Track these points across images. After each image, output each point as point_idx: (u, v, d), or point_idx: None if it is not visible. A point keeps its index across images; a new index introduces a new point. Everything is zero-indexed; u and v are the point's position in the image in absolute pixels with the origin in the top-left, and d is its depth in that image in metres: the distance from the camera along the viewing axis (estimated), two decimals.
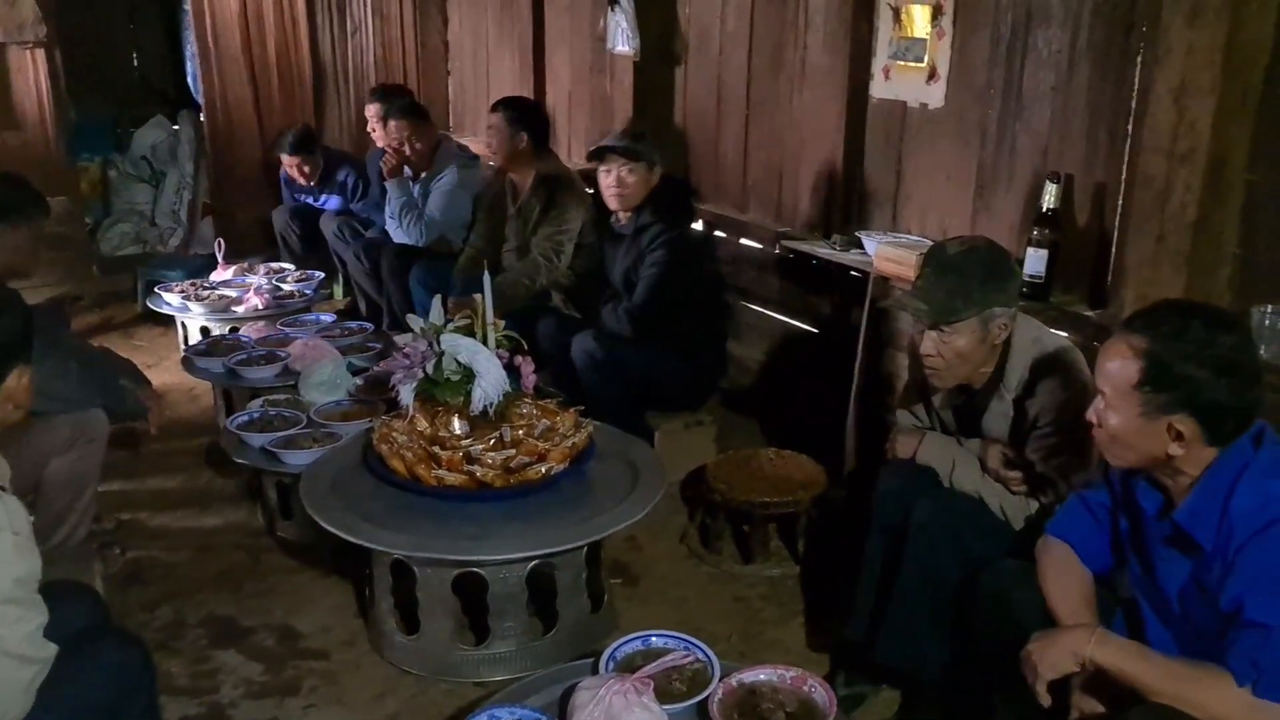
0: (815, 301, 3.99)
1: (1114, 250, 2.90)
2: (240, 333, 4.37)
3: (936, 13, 3.31)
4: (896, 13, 3.45)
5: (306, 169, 5.47)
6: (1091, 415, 1.81)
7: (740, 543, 3.25)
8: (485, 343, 2.74)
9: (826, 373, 3.88)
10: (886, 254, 3.19)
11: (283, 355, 3.93)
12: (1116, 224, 2.88)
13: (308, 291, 4.81)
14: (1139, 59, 2.76)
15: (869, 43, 3.57)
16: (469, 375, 2.69)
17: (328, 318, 4.54)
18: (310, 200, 5.63)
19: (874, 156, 3.65)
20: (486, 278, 2.82)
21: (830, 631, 2.79)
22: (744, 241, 4.31)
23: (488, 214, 4.48)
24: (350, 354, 3.99)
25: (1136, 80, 2.77)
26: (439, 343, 2.69)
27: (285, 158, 5.49)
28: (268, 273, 4.99)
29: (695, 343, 3.73)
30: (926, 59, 3.36)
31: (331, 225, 5.36)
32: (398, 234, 4.82)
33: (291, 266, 5.12)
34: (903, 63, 3.45)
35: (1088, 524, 2.04)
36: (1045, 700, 1.82)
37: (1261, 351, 2.31)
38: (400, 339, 2.87)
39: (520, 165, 4.29)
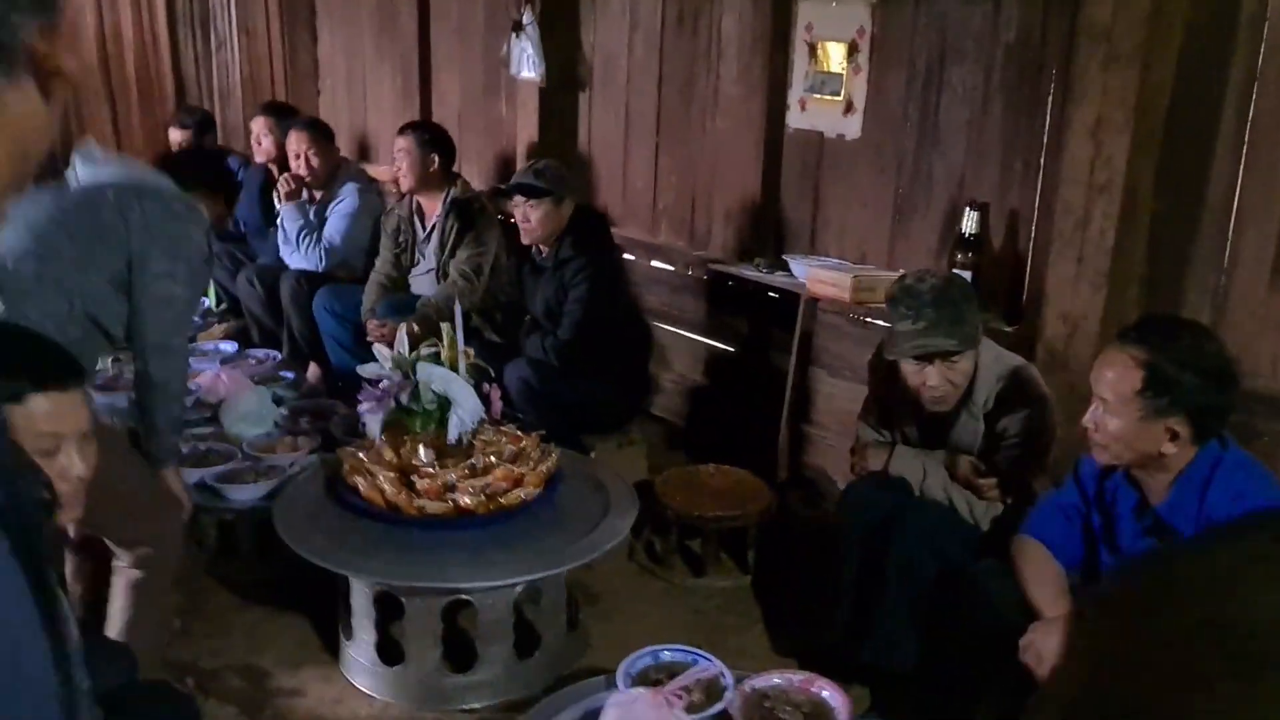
0: (731, 321, 4.15)
1: (1028, 271, 3.19)
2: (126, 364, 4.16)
3: (852, 50, 3.53)
4: (812, 48, 3.66)
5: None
6: (1089, 421, 2.02)
7: (687, 556, 3.36)
8: (456, 371, 2.76)
9: (745, 389, 4.06)
10: (820, 276, 3.38)
11: (192, 388, 3.79)
12: (1031, 247, 3.16)
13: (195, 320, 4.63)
14: (1050, 98, 3.05)
15: (784, 75, 3.77)
16: (444, 404, 2.71)
17: (228, 346, 4.40)
18: None
19: (791, 183, 3.85)
20: (458, 307, 2.84)
21: (793, 636, 2.94)
22: (655, 264, 4.43)
23: (393, 238, 4.44)
24: (264, 384, 3.89)
25: (1048, 117, 3.06)
26: (414, 372, 2.69)
27: (176, 132, 5.36)
28: None
29: (621, 367, 3.83)
30: (843, 93, 3.58)
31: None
32: (294, 259, 4.71)
33: None
34: (819, 95, 3.66)
35: (1059, 523, 2.26)
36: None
37: None
38: (366, 369, 2.85)
39: (430, 188, 4.28)
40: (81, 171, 2.69)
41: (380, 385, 2.72)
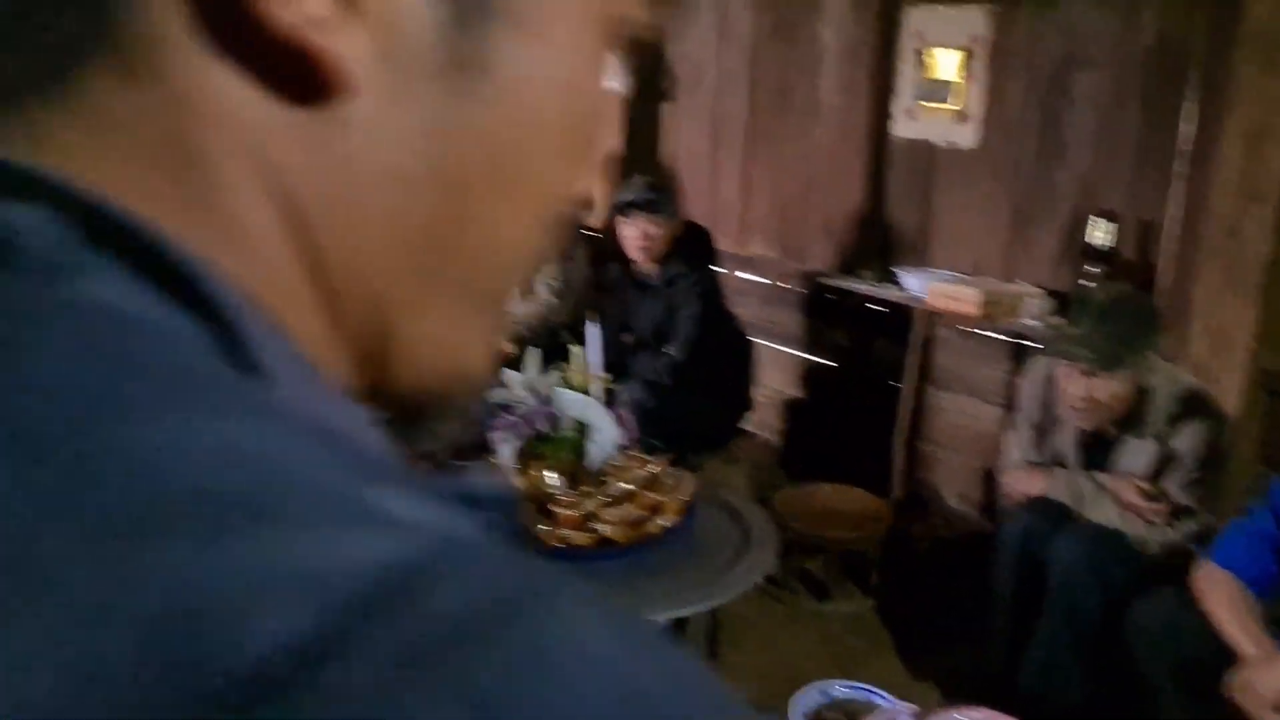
0: (829, 335, 4.06)
1: (1160, 282, 3.09)
2: None
3: (967, 57, 3.44)
4: (920, 55, 3.57)
5: None
6: None
7: (807, 579, 3.27)
8: (589, 394, 2.68)
9: (847, 404, 3.97)
10: (943, 290, 3.28)
11: None
12: (1167, 258, 3.07)
13: None
14: (1184, 103, 2.95)
15: (889, 84, 3.68)
16: (582, 431, 2.62)
17: None
18: None
19: (898, 194, 3.75)
20: (591, 328, 2.75)
21: (928, 660, 2.86)
22: (744, 276, 4.34)
23: None
24: None
25: (1182, 122, 2.96)
26: (554, 398, 2.61)
27: None
28: None
29: (727, 382, 3.73)
30: (956, 101, 3.49)
31: None
32: None
33: None
34: (929, 104, 3.57)
35: (1251, 551, 2.16)
36: None
37: None
38: (494, 395, 2.76)
39: None
40: None
41: (529, 411, 2.62)
